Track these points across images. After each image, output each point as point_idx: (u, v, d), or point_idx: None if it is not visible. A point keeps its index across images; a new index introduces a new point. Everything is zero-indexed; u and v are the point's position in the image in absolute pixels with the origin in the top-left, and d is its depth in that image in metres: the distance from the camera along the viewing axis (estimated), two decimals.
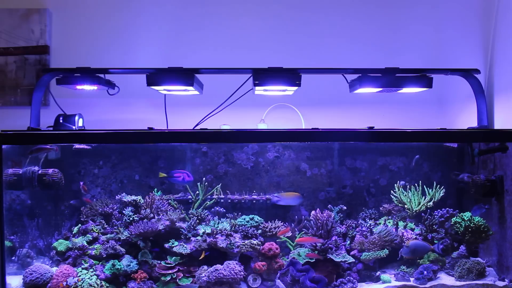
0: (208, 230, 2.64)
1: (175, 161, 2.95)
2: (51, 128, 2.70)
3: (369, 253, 2.61)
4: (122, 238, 2.61)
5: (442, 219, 2.71)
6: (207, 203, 2.84)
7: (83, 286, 2.43)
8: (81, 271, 2.50)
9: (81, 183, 2.84)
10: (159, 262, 2.57)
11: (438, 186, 2.76)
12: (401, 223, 2.79)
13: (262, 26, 3.18)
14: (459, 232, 2.65)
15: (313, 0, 3.20)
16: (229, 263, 2.53)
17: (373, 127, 2.56)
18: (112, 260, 2.53)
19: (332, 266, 2.58)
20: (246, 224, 2.71)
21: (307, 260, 2.59)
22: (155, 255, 2.61)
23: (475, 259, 2.60)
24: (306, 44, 3.19)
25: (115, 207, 2.78)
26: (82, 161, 2.90)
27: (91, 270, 2.52)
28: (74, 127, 2.73)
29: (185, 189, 2.87)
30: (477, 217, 2.65)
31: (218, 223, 2.73)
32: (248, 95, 2.80)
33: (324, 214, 2.71)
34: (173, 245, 2.60)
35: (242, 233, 2.67)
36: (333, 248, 2.63)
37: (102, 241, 2.63)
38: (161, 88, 2.65)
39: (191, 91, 2.69)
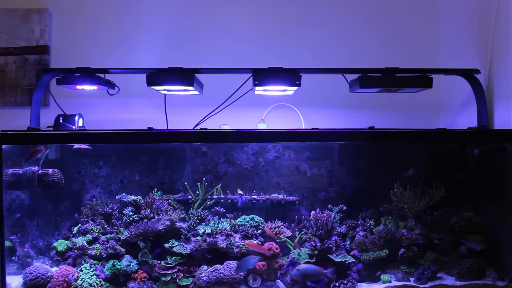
0: (208, 230, 2.64)
1: (175, 161, 2.95)
2: (51, 128, 2.70)
3: (369, 253, 2.61)
4: (122, 238, 2.61)
5: (442, 219, 2.71)
6: (207, 203, 2.84)
7: (83, 286, 2.43)
8: (81, 271, 2.50)
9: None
10: (159, 262, 2.57)
11: (438, 186, 2.76)
12: (401, 223, 2.78)
13: (262, 26, 3.19)
14: (460, 232, 2.66)
15: (314, 0, 3.20)
16: (229, 263, 2.53)
17: (373, 127, 2.56)
18: (112, 260, 2.53)
19: (332, 266, 2.57)
20: (246, 224, 2.71)
21: (307, 260, 2.59)
22: (156, 255, 2.62)
23: (475, 259, 2.60)
24: (306, 44, 3.19)
25: (115, 207, 2.78)
26: (82, 161, 2.90)
27: (91, 269, 2.51)
28: (74, 127, 2.74)
29: (185, 189, 2.87)
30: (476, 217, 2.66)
31: (218, 223, 2.72)
32: (248, 95, 2.80)
33: (324, 214, 2.71)
34: (173, 245, 2.60)
35: (242, 233, 2.67)
36: (333, 248, 2.63)
37: (102, 241, 2.63)
38: (161, 88, 2.64)
39: (191, 91, 2.69)
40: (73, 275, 2.45)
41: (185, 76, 2.53)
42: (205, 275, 2.50)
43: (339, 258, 2.58)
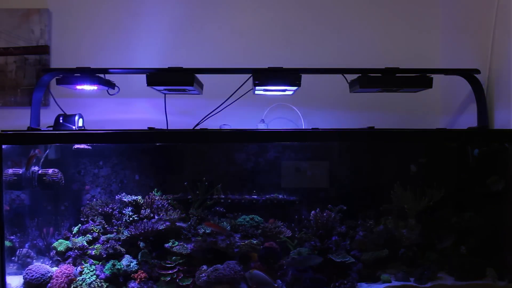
0: (208, 230, 2.64)
1: (175, 161, 2.95)
2: (51, 128, 2.70)
3: (369, 253, 2.61)
4: (122, 238, 2.61)
5: (442, 219, 2.71)
6: (207, 203, 2.84)
7: (83, 286, 2.43)
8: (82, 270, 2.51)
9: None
10: (159, 262, 2.57)
11: (438, 186, 2.76)
12: (401, 223, 2.78)
13: (262, 26, 3.19)
14: (459, 232, 2.66)
15: (314, 0, 3.21)
16: (229, 263, 2.53)
17: (373, 127, 2.56)
18: (112, 260, 2.53)
19: (332, 266, 2.58)
20: (246, 224, 2.71)
21: None
22: (157, 255, 2.61)
23: (475, 259, 2.60)
24: (306, 44, 3.19)
25: (115, 207, 2.78)
26: (82, 161, 2.90)
27: (92, 269, 2.51)
28: (74, 127, 2.73)
29: (185, 189, 2.87)
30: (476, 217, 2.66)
31: (218, 223, 2.72)
32: (248, 95, 2.80)
33: (324, 214, 2.71)
34: (173, 245, 2.59)
35: (242, 233, 2.66)
36: (333, 248, 2.63)
37: (102, 241, 2.63)
38: (161, 88, 2.65)
39: (191, 91, 2.70)
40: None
41: (185, 76, 2.53)
42: (205, 275, 2.49)
43: (339, 258, 2.58)
